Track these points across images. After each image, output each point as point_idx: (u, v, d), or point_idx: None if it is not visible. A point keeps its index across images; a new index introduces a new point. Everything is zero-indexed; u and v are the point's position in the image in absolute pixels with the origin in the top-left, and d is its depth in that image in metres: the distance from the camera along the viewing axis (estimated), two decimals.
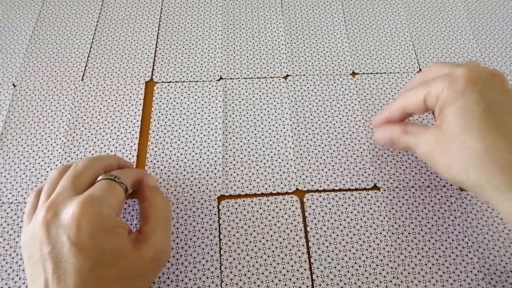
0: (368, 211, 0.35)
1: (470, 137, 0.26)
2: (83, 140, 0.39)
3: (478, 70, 0.28)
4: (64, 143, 0.39)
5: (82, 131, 0.39)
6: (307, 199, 0.36)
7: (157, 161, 0.38)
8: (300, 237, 0.34)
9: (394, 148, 0.37)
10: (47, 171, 0.37)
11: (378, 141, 0.35)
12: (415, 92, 0.30)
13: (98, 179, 0.30)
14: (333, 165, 0.37)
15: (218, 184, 0.36)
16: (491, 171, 0.26)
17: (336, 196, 0.36)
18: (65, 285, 0.25)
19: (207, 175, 0.37)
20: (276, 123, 0.40)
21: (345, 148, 0.38)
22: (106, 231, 0.27)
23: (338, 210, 0.35)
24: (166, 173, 0.37)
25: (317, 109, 0.41)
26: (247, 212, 0.35)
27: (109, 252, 0.26)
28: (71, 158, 0.38)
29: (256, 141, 0.39)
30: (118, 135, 0.39)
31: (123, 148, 0.38)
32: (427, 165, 0.35)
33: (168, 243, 0.30)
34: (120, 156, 0.38)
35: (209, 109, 0.41)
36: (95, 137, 0.39)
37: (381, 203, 0.36)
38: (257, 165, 0.37)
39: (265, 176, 0.37)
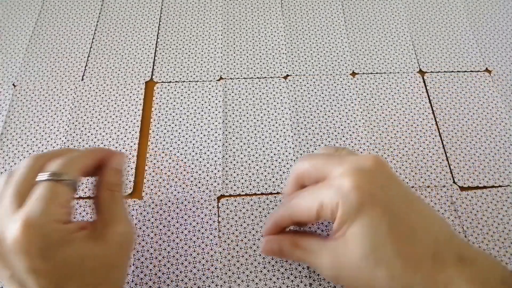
0: None
1: (380, 263, 0.24)
2: (83, 140, 0.39)
3: (361, 171, 0.25)
4: (64, 143, 0.39)
5: (82, 131, 0.39)
6: None
7: (157, 161, 0.38)
8: None
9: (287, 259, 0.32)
10: None
11: (266, 253, 0.31)
12: (305, 203, 0.27)
13: (37, 179, 0.26)
14: None
15: (218, 184, 0.36)
16: None
17: None
18: None
19: (207, 175, 0.37)
20: (276, 123, 0.40)
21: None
22: (58, 246, 0.24)
23: None
24: (166, 173, 0.37)
25: (317, 109, 0.41)
26: (246, 210, 0.35)
27: (70, 263, 0.25)
28: None
29: (256, 141, 0.39)
30: (118, 135, 0.39)
31: (123, 148, 0.38)
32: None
33: (130, 223, 0.28)
34: None
35: (209, 109, 0.41)
36: (95, 137, 0.39)
37: None
38: (257, 165, 0.37)
39: (265, 176, 0.37)
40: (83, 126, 0.40)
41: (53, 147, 0.38)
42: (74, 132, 0.39)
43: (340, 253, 0.26)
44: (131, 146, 0.38)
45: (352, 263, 0.25)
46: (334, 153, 0.29)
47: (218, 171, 0.37)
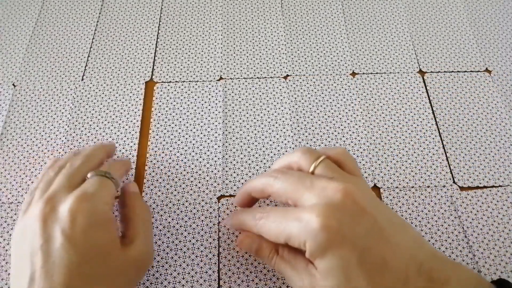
0: None
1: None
2: (83, 140, 0.39)
3: (329, 208, 0.25)
4: (64, 143, 0.39)
5: (82, 131, 0.39)
6: None
7: (157, 161, 0.38)
8: None
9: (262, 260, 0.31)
10: None
11: (242, 248, 0.31)
12: (274, 229, 0.27)
13: (89, 176, 0.30)
14: None
15: (218, 184, 0.36)
16: None
17: None
18: (51, 281, 0.25)
19: (207, 175, 0.37)
20: (276, 123, 0.40)
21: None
22: (99, 226, 0.27)
23: None
24: (166, 173, 0.37)
25: (317, 109, 0.41)
26: None
27: (99, 248, 0.27)
28: None
29: (256, 141, 0.39)
30: (118, 135, 0.39)
31: (123, 148, 0.38)
32: None
33: (151, 245, 0.31)
34: (119, 156, 0.38)
35: (209, 109, 0.41)
36: (95, 137, 0.39)
37: None
38: (257, 165, 0.37)
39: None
40: (83, 126, 0.40)
41: (53, 147, 0.38)
42: (74, 132, 0.39)
43: (317, 284, 0.26)
44: (131, 146, 0.38)
45: None
46: (305, 177, 0.28)
47: (218, 171, 0.37)
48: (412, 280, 0.25)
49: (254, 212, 0.29)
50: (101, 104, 0.41)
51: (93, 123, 0.40)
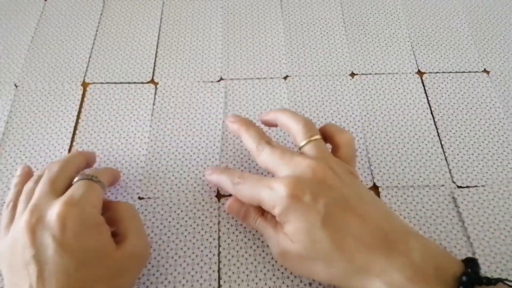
0: None
1: (319, 255, 0.27)
2: (86, 138, 0.39)
3: (298, 181, 0.28)
4: (67, 144, 0.39)
5: (85, 129, 0.39)
6: None
7: (156, 160, 0.38)
8: None
9: (245, 223, 0.34)
10: None
11: (230, 212, 0.33)
12: (249, 194, 0.30)
13: (75, 180, 0.30)
14: None
15: None
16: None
17: None
18: None
19: None
20: None
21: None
22: (90, 230, 0.27)
23: None
24: (165, 173, 0.37)
25: (316, 110, 0.41)
26: None
27: (94, 250, 0.27)
28: None
29: None
30: (120, 134, 0.39)
31: (125, 147, 0.39)
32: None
33: (145, 238, 0.31)
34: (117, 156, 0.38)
35: (209, 110, 0.41)
36: (99, 136, 0.39)
37: None
38: (256, 165, 0.38)
39: (264, 176, 0.37)
40: (86, 126, 0.40)
41: (55, 147, 0.38)
42: (77, 133, 0.39)
43: (285, 245, 0.29)
44: (133, 145, 0.39)
45: (294, 255, 0.28)
46: (287, 152, 0.30)
47: None
48: (376, 247, 0.26)
49: (232, 175, 0.32)
50: (101, 104, 0.41)
51: (95, 124, 0.40)
